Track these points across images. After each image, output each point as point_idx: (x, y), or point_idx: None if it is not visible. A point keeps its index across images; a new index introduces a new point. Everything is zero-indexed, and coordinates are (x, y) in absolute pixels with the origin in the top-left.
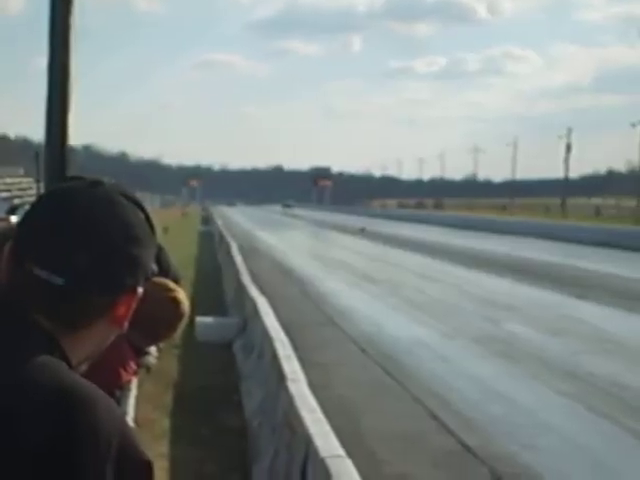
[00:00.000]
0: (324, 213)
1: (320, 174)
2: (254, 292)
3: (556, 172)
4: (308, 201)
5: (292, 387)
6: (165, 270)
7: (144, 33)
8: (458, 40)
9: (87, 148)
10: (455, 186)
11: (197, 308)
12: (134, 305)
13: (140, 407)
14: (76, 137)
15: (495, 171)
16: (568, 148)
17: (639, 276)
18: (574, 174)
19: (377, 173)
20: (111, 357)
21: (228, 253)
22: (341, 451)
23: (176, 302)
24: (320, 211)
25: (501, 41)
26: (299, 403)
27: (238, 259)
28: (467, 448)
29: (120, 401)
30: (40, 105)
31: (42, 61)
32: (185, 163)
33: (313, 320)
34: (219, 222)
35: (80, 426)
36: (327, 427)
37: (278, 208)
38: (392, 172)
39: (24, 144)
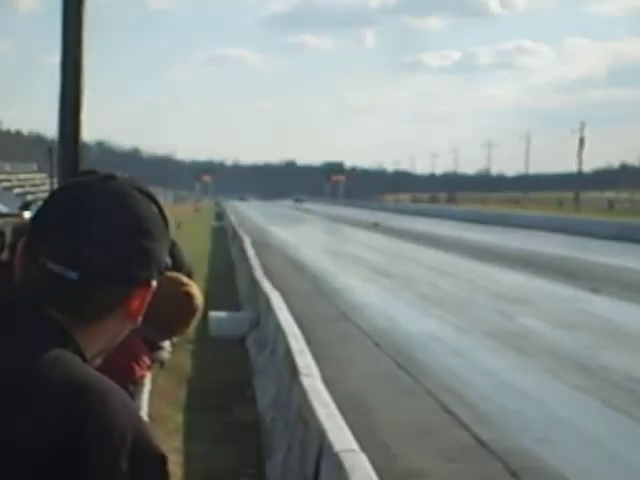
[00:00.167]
0: (337, 208)
1: (333, 169)
2: (267, 287)
3: (569, 166)
4: (321, 196)
5: (306, 382)
6: (178, 265)
7: (157, 28)
8: (471, 34)
9: (100, 144)
10: (468, 180)
11: (210, 303)
12: (148, 299)
13: (153, 402)
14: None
15: (508, 165)
16: (581, 142)
17: None
18: (587, 168)
19: (390, 168)
20: (125, 352)
21: (241, 248)
22: (355, 445)
23: (189, 296)
24: (333, 206)
25: (514, 35)
26: (313, 398)
27: (251, 254)
28: (481, 442)
29: (134, 396)
30: (53, 101)
31: (55, 58)
32: (198, 158)
33: (326, 315)
34: (232, 217)
35: (94, 419)
36: (341, 422)
37: (290, 203)
38: (405, 167)
39: (37, 140)
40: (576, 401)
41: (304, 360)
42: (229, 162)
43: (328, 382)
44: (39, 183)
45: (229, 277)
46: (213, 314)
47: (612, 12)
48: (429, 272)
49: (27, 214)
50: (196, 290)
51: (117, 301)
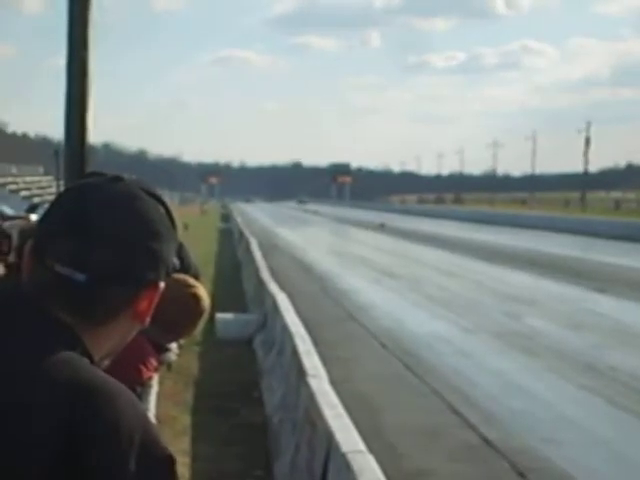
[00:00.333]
0: (344, 209)
1: (339, 170)
2: (274, 288)
3: (575, 166)
4: (327, 197)
5: (313, 383)
6: (185, 266)
7: (162, 30)
8: (476, 35)
9: (106, 146)
10: (474, 181)
11: (217, 305)
12: (156, 300)
13: (161, 404)
14: (95, 135)
15: (514, 165)
16: (587, 142)
17: None
18: (593, 168)
19: (396, 169)
20: (132, 354)
21: (248, 250)
22: (362, 446)
23: (196, 298)
24: (340, 207)
25: (519, 35)
26: (320, 399)
27: (258, 256)
28: (488, 442)
29: (141, 397)
30: (60, 104)
31: (61, 60)
32: (204, 160)
33: (333, 316)
34: (238, 219)
35: (102, 421)
36: (348, 422)
37: (295, 204)
38: (411, 167)
39: (44, 142)
40: (583, 401)
41: (311, 361)
42: (235, 164)
43: (335, 383)
44: (46, 186)
45: (236, 279)
46: (220, 316)
47: (617, 12)
48: (435, 273)
49: (34, 217)
50: (203, 292)
51: (125, 303)
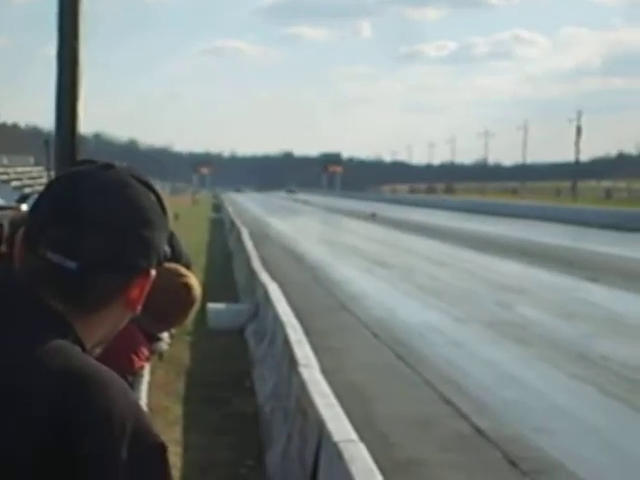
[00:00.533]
0: (334, 199)
1: (330, 160)
2: (265, 278)
3: (567, 155)
4: (318, 187)
5: (304, 372)
6: (177, 255)
7: (154, 20)
8: (467, 24)
9: (97, 136)
10: (465, 170)
11: (208, 295)
12: (147, 287)
13: (152, 394)
14: (86, 125)
15: (505, 155)
16: (578, 131)
17: None
18: (585, 157)
19: (387, 158)
20: (123, 343)
21: (239, 239)
22: (354, 435)
23: (188, 287)
24: (330, 197)
25: (510, 25)
26: (311, 388)
27: (249, 245)
28: (480, 432)
29: (133, 387)
30: (50, 94)
31: (52, 50)
32: (195, 150)
33: (325, 306)
34: (230, 209)
35: (94, 409)
36: (340, 412)
37: (285, 194)
38: (402, 157)
39: (34, 132)
40: (575, 390)
41: (303, 351)
42: (226, 154)
43: (327, 372)
44: (36, 176)
45: (227, 269)
46: (211, 306)
47: (608, 1)
48: (427, 262)
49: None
50: (194, 281)
51: (117, 290)
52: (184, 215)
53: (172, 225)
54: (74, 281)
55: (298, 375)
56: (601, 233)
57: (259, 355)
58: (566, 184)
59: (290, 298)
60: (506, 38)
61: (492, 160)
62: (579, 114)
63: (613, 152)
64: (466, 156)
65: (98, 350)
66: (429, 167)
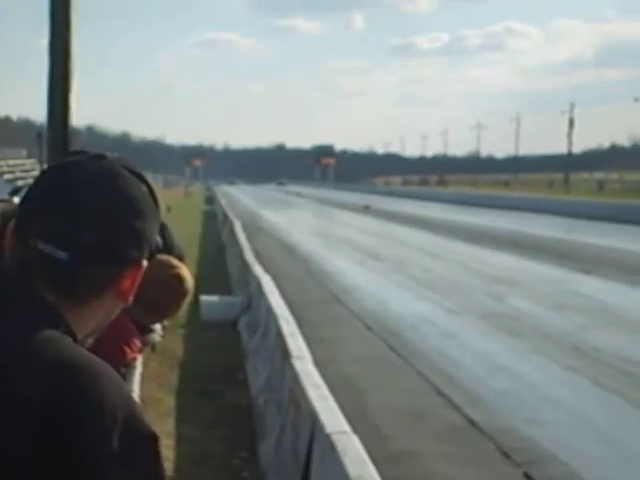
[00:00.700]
0: (327, 191)
1: (323, 152)
2: (258, 270)
3: (559, 147)
4: (311, 179)
5: (297, 364)
6: (169, 247)
7: (146, 12)
8: (459, 16)
9: (90, 128)
10: (458, 162)
11: (201, 287)
12: (139, 278)
13: (145, 386)
14: (78, 117)
15: (498, 147)
16: (571, 123)
17: None
18: (577, 149)
19: (380, 150)
20: (116, 334)
21: (232, 232)
22: (347, 427)
23: (180, 279)
24: (323, 189)
25: (502, 17)
26: (304, 380)
27: (242, 238)
28: (472, 423)
29: (125, 378)
30: (43, 86)
31: (44, 41)
32: (188, 143)
33: (318, 298)
34: (222, 201)
35: (86, 399)
36: (333, 403)
37: (276, 186)
38: (395, 149)
39: (26, 125)
40: (568, 382)
41: (295, 343)
42: (219, 146)
43: (319, 364)
44: (29, 169)
45: (220, 261)
46: (204, 298)
47: None
48: (420, 254)
49: (16, 199)
50: (186, 273)
51: (108, 281)
52: (177, 208)
53: (165, 218)
54: (65, 272)
55: (291, 367)
56: (594, 225)
57: (252, 347)
58: (559, 176)
59: (283, 290)
60: (499, 30)
61: (485, 152)
62: (571, 106)
63: (606, 144)
64: (459, 148)
65: (90, 341)
66: (422, 159)
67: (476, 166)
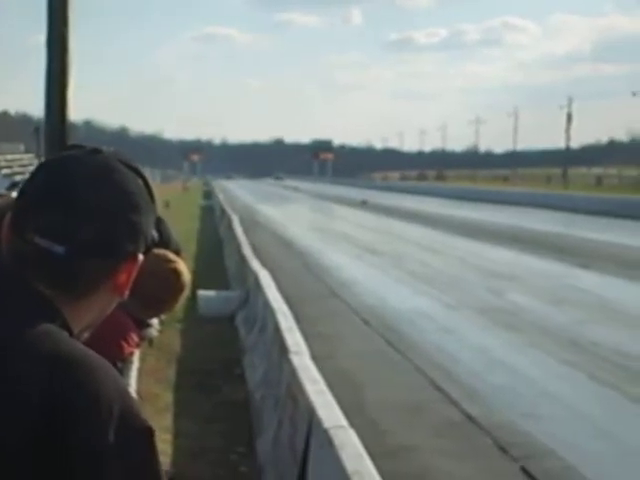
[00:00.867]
0: (325, 186)
1: (321, 147)
2: (256, 265)
3: (557, 142)
4: (310, 174)
5: (295, 359)
6: (165, 241)
7: (144, 7)
8: (458, 11)
9: (87, 123)
10: (456, 157)
11: (199, 282)
12: (135, 272)
13: (143, 381)
14: (76, 112)
15: (496, 142)
16: (569, 118)
17: None
18: (575, 144)
19: (378, 145)
20: (113, 329)
21: (229, 227)
22: (344, 422)
23: (177, 273)
24: (321, 184)
25: (501, 11)
26: (302, 375)
27: (239, 232)
28: (470, 418)
29: (122, 373)
30: (40, 81)
31: (42, 37)
32: (186, 137)
33: (315, 292)
34: (220, 196)
35: (82, 392)
36: (330, 398)
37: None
38: (393, 144)
39: (24, 120)
40: (565, 376)
41: (293, 337)
42: (217, 141)
43: (317, 359)
44: (27, 163)
45: (218, 256)
46: (202, 293)
47: None
48: (418, 249)
49: (14, 194)
50: (183, 267)
51: (104, 275)
52: (175, 202)
53: (163, 213)
54: (62, 266)
55: (288, 362)
56: (592, 220)
57: (250, 342)
58: (557, 171)
59: (281, 285)
60: (497, 25)
61: (483, 147)
62: (570, 101)
63: (604, 139)
64: (457, 143)
65: (86, 335)
66: (420, 154)
67: (474, 161)
